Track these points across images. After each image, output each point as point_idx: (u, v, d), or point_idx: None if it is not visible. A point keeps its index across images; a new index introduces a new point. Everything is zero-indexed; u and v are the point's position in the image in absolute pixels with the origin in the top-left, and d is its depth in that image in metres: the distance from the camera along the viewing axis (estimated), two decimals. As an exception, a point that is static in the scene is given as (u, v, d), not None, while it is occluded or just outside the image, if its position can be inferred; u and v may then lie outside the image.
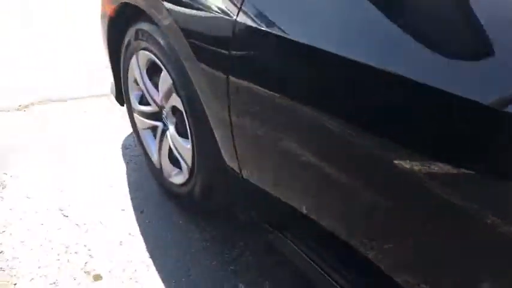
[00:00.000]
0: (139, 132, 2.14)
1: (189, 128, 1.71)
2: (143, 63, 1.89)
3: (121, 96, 2.27)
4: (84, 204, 2.05)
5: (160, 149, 1.98)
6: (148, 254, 1.82)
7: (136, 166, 2.30)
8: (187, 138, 1.77)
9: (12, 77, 3.07)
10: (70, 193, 2.11)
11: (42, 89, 2.94)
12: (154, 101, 1.92)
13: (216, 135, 1.54)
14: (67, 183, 2.16)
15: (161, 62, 1.74)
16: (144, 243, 1.86)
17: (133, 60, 1.95)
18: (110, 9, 1.94)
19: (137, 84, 2.04)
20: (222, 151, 1.55)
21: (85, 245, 1.84)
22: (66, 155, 2.34)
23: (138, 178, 2.22)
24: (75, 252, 1.80)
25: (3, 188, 2.12)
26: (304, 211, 1.31)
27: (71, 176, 2.20)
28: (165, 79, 1.75)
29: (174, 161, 1.95)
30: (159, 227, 1.95)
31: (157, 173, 2.10)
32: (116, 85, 2.24)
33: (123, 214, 2.01)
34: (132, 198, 2.10)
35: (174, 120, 1.87)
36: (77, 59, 3.33)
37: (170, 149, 1.93)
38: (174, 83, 1.70)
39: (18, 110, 2.71)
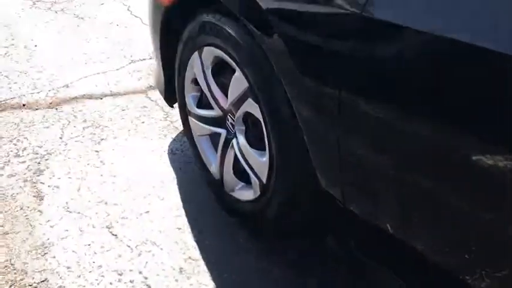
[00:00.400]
0: (195, 138, 1.88)
1: (268, 139, 1.45)
2: (208, 61, 1.62)
3: (172, 96, 2.01)
4: (133, 221, 1.80)
5: (222, 159, 1.72)
6: (214, 284, 1.57)
7: (187, 176, 2.04)
8: (263, 150, 1.51)
9: (38, 70, 2.80)
10: (116, 207, 1.86)
11: (70, 84, 2.67)
12: (219, 105, 1.66)
13: (311, 154, 1.28)
14: (111, 195, 1.91)
15: (235, 62, 1.47)
16: (208, 271, 1.61)
17: (195, 57, 1.68)
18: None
19: (196, 84, 1.77)
20: (319, 173, 1.29)
21: (140, 272, 1.59)
22: (106, 162, 2.09)
23: (190, 189, 1.97)
24: (130, 281, 1.56)
25: (40, 200, 1.88)
26: (432, 254, 1.06)
27: (114, 186, 1.95)
28: (239, 82, 1.48)
29: (240, 173, 1.69)
30: (222, 250, 1.70)
31: (215, 185, 1.84)
32: (165, 84, 1.97)
33: (180, 234, 1.75)
34: (187, 213, 1.85)
35: (243, 128, 1.60)
36: (100, 50, 3.06)
37: (235, 160, 1.67)
38: (250, 87, 1.44)
39: (49, 107, 2.45)
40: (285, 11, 1.24)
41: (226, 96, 1.62)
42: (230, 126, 1.66)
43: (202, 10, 1.59)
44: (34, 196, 1.89)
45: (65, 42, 3.09)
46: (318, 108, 1.20)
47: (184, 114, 1.90)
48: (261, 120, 1.45)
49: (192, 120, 1.85)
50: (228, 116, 1.65)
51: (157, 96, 2.57)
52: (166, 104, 2.47)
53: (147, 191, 1.94)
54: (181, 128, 2.30)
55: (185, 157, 2.14)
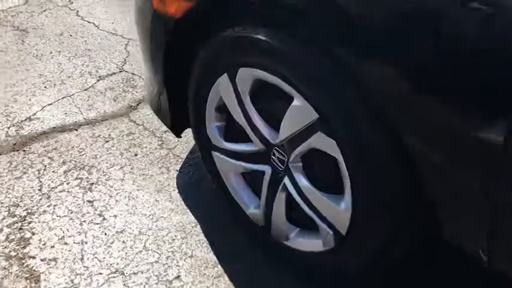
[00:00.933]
0: (222, 176, 1.52)
1: (352, 182, 1.11)
2: (246, 85, 1.26)
3: (181, 125, 1.63)
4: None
5: (269, 202, 1.38)
6: None
7: (211, 220, 1.68)
8: (334, 194, 1.19)
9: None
10: (136, 276, 1.47)
11: (34, 116, 2.20)
12: (261, 138, 1.30)
13: (436, 200, 0.96)
14: (125, 260, 1.52)
15: (294, 88, 1.12)
16: None
17: (223, 80, 1.31)
18: (179, 7, 1.27)
19: (220, 112, 1.41)
20: (448, 224, 0.98)
21: None
22: (106, 215, 1.69)
23: (220, 238, 1.61)
24: None
25: (36, 283, 1.46)
26: None
27: (126, 248, 1.56)
28: (302, 112, 1.14)
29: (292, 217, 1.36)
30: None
31: (257, 232, 1.50)
32: (171, 112, 1.58)
33: (228, 302, 1.40)
34: (228, 271, 1.49)
35: (300, 165, 1.26)
36: (58, 68, 2.57)
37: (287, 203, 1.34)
38: (321, 119, 1.10)
39: (14, 150, 1.98)
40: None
41: (273, 127, 1.27)
42: (277, 162, 1.31)
43: (233, 22, 1.21)
44: (27, 278, 1.47)
45: (12, 62, 2.58)
46: (461, 147, 0.88)
47: (206, 148, 1.52)
48: (339, 159, 1.11)
49: (217, 156, 1.48)
50: (274, 151, 1.30)
51: (143, 118, 2.18)
52: (156, 128, 2.11)
53: (169, 248, 1.56)
54: (183, 155, 1.92)
55: (201, 195, 1.77)
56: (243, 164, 1.41)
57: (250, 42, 1.17)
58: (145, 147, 2.01)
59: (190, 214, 1.67)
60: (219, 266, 1.50)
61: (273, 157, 1.32)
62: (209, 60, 1.33)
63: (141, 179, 1.84)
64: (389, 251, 1.17)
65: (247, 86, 1.25)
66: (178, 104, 1.57)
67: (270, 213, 1.40)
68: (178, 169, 1.89)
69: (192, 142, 1.98)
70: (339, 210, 1.19)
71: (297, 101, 1.14)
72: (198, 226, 1.64)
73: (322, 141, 1.13)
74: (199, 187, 1.80)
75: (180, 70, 1.47)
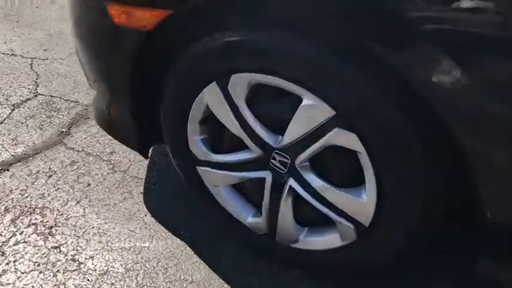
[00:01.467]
0: (212, 190, 1.42)
1: (376, 173, 1.10)
2: (241, 91, 1.17)
3: (149, 145, 1.50)
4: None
5: (274, 207, 1.32)
6: None
7: (204, 238, 1.57)
8: (351, 187, 1.17)
9: None
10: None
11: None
12: (260, 144, 1.24)
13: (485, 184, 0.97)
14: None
15: (305, 88, 1.07)
16: None
17: (211, 90, 1.21)
18: (151, 19, 1.14)
19: (204, 124, 1.31)
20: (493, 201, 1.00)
21: None
22: (81, 258, 1.50)
23: (216, 259, 1.51)
24: None
25: None
26: None
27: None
28: (315, 111, 1.09)
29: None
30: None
31: (258, 241, 1.43)
32: (137, 132, 1.44)
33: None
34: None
35: (307, 164, 1.22)
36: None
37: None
38: (339, 115, 1.06)
39: None
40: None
41: (274, 131, 1.21)
42: (278, 166, 1.25)
43: (220, 27, 1.11)
44: None
45: None
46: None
47: (188, 164, 1.41)
48: (361, 151, 1.09)
49: (205, 171, 1.38)
50: (274, 155, 1.24)
51: (80, 142, 1.98)
52: (100, 150, 1.93)
53: (165, 279, 1.43)
54: (141, 175, 1.78)
55: (178, 213, 1.65)
56: (239, 174, 1.32)
57: (248, 46, 1.09)
58: (96, 174, 1.82)
59: (179, 239, 1.55)
60: (227, 285, 1.41)
61: (273, 161, 1.26)
62: (190, 72, 1.22)
63: (105, 210, 1.66)
64: (417, 237, 1.18)
65: (243, 92, 1.17)
66: (145, 123, 1.44)
67: (275, 219, 1.33)
68: (141, 191, 1.74)
69: (143, 161, 1.83)
70: (361, 203, 1.16)
71: (308, 100, 1.09)
72: (188, 247, 1.52)
73: (340, 137, 1.09)
74: (173, 204, 1.68)
75: (150, 87, 1.34)
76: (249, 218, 1.40)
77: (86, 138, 1.99)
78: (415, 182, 1.08)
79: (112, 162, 1.87)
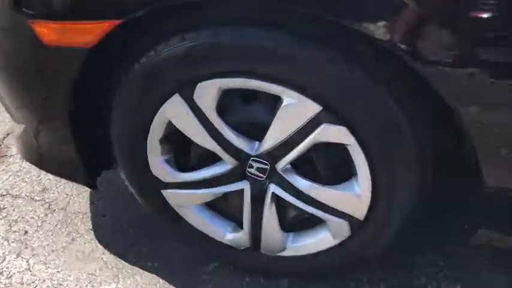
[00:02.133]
0: (182, 212, 1.29)
1: (372, 164, 1.04)
2: (210, 99, 1.05)
3: (98, 176, 1.33)
4: None
5: (256, 217, 1.22)
6: None
7: (180, 264, 1.43)
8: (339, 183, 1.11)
9: None
10: None
11: None
12: (235, 153, 1.13)
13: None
14: None
15: (288, 86, 0.98)
16: None
17: (174, 102, 1.08)
18: (96, 33, 0.98)
19: (166, 143, 1.17)
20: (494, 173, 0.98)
21: None
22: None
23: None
24: None
25: None
26: None
27: None
28: (299, 109, 1.01)
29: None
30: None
31: (239, 257, 1.33)
32: (84, 162, 1.26)
33: None
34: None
35: (289, 167, 1.13)
36: None
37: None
38: (327, 109, 0.99)
39: None
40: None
41: (249, 138, 1.11)
42: (256, 174, 1.16)
43: (181, 29, 0.98)
44: None
45: None
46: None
47: (151, 190, 1.26)
48: (352, 144, 1.02)
49: (171, 193, 1.25)
50: (251, 163, 1.14)
51: (1, 185, 1.72)
52: (29, 190, 1.70)
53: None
54: (83, 208, 1.60)
55: (139, 242, 1.49)
56: (213, 190, 1.21)
57: (216, 48, 0.97)
58: (32, 218, 1.59)
59: (148, 272, 1.39)
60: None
61: (250, 170, 1.16)
62: (146, 87, 1.08)
63: (54, 257, 1.46)
64: (410, 222, 1.15)
65: (212, 101, 1.05)
66: (91, 151, 1.27)
67: (258, 229, 1.24)
68: (90, 227, 1.55)
69: (83, 192, 1.64)
70: (355, 197, 1.10)
71: (290, 99, 1.00)
72: (161, 280, 1.38)
73: (328, 132, 1.02)
74: (130, 235, 1.51)
75: (94, 110, 1.17)
76: (228, 235, 1.29)
77: (7, 179, 1.74)
78: (411, 165, 1.04)
79: (47, 201, 1.65)
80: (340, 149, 1.06)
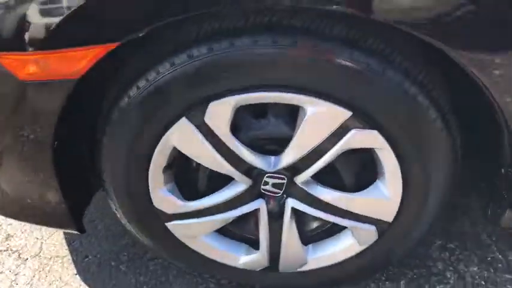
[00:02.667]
0: (190, 243, 1.17)
1: (404, 165, 0.98)
2: (224, 119, 0.93)
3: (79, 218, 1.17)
4: None
5: (275, 236, 1.13)
6: None
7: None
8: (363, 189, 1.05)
9: None
10: None
11: None
12: (249, 172, 1.03)
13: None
14: None
15: (315, 95, 0.89)
16: None
17: (180, 127, 0.95)
18: (83, 62, 0.83)
19: (167, 171, 1.04)
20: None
21: None
22: None
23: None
24: None
25: None
26: None
27: None
28: (326, 117, 0.92)
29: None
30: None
31: (259, 277, 1.23)
32: (70, 207, 1.10)
33: None
34: None
35: (310, 179, 1.05)
36: None
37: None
38: (355, 116, 0.91)
39: None
40: None
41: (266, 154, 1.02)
42: (272, 190, 1.06)
43: (186, 45, 0.86)
44: None
45: None
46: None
47: (153, 225, 1.13)
48: (384, 147, 0.96)
49: (179, 225, 1.12)
50: (266, 179, 1.05)
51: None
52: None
53: None
54: (60, 252, 1.43)
55: (139, 283, 1.34)
56: (226, 214, 1.09)
57: (236, 62, 0.85)
58: (1, 272, 1.39)
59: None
60: None
61: (264, 187, 1.06)
62: (144, 114, 0.94)
63: (41, 314, 1.28)
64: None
65: (227, 120, 0.93)
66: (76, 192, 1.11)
67: (277, 247, 1.15)
68: (74, 272, 1.38)
69: (54, 234, 1.46)
70: (384, 201, 1.04)
71: (316, 108, 0.90)
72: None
73: (359, 138, 0.94)
74: (122, 275, 1.36)
75: (80, 147, 1.01)
76: (242, 258, 1.18)
77: (-40, 232, 1.51)
78: (444, 159, 0.99)
79: (14, 249, 1.44)
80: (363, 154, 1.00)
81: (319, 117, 0.92)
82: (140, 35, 0.80)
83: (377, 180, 1.04)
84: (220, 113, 0.92)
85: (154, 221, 1.11)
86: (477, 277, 1.28)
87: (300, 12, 0.83)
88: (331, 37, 0.84)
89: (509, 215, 1.05)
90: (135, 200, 1.07)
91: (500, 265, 1.31)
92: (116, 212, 1.13)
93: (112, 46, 0.80)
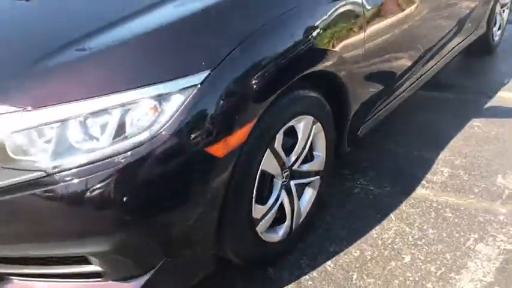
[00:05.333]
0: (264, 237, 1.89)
1: (326, 138, 2.09)
2: (279, 140, 1.78)
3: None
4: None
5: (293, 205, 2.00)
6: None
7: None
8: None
9: None
10: None
11: None
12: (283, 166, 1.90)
13: None
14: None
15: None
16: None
17: (268, 154, 1.74)
18: (239, 136, 1.56)
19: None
20: None
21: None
22: None
23: None
24: None
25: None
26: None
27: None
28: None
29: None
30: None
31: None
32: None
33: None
34: None
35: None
36: None
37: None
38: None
39: None
40: None
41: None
42: (284, 175, 1.91)
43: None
44: None
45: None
46: None
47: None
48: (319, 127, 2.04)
49: (261, 223, 1.83)
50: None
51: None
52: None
53: None
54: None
55: None
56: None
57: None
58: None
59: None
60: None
61: (284, 174, 1.93)
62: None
63: None
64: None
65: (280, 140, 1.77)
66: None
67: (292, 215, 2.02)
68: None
69: None
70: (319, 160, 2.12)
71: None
72: None
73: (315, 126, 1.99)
74: None
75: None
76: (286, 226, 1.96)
77: None
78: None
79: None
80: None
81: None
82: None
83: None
84: (279, 138, 1.77)
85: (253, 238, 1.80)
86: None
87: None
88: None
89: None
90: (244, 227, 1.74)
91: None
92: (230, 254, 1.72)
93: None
